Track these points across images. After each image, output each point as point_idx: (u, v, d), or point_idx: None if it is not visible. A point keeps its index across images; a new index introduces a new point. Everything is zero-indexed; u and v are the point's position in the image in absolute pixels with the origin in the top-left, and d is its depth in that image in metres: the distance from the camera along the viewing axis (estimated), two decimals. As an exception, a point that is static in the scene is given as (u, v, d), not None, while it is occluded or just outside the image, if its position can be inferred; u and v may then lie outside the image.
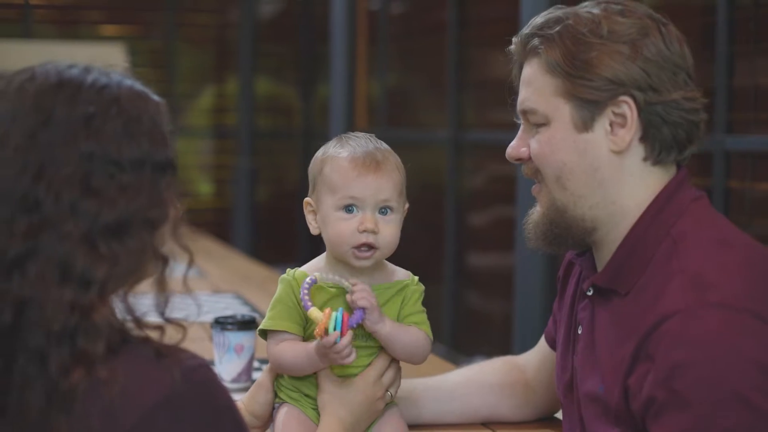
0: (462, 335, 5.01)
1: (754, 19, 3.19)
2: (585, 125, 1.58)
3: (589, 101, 1.57)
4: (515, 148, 1.66)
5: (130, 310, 1.28)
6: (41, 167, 1.21)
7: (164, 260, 1.31)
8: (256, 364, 2.28)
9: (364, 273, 1.69)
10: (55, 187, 1.21)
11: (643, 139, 1.58)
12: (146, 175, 1.27)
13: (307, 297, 1.64)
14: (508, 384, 1.96)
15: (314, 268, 1.72)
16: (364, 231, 1.65)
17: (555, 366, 1.79)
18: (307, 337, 1.69)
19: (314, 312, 1.62)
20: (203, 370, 1.28)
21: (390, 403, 1.75)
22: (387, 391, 1.71)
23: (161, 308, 1.31)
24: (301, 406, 1.72)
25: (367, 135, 1.73)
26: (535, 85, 1.62)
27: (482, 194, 5.06)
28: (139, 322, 1.28)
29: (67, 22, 7.34)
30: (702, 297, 1.45)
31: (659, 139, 1.58)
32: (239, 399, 1.81)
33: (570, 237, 1.64)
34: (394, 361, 1.72)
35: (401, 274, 1.75)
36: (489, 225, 5.02)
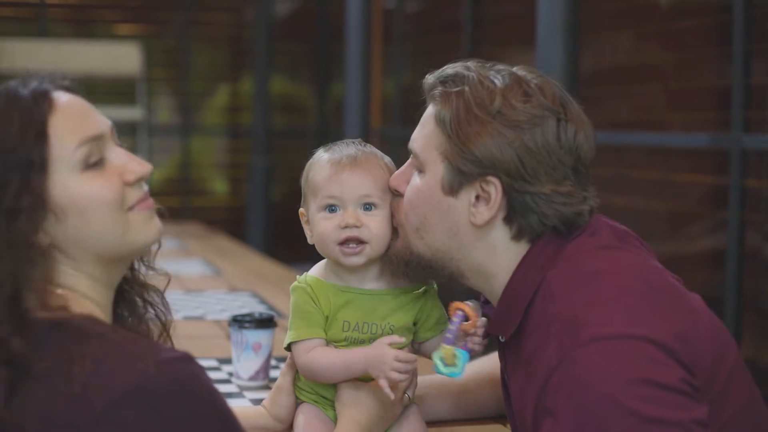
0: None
1: (770, 18, 3.18)
2: (451, 190, 1.58)
3: (460, 170, 1.57)
4: (398, 178, 1.67)
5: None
6: None
7: (60, 212, 1.35)
8: (273, 362, 2.29)
9: (379, 278, 1.70)
10: None
11: (507, 220, 1.58)
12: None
13: (454, 330, 1.62)
14: None
15: (320, 271, 1.72)
16: (346, 227, 1.65)
17: None
18: (330, 339, 1.69)
19: (449, 350, 1.61)
20: (183, 364, 1.28)
21: (408, 404, 1.75)
22: (404, 393, 1.71)
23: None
24: (321, 406, 1.72)
25: (355, 141, 1.73)
26: (425, 130, 1.63)
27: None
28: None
29: (83, 21, 7.35)
30: (576, 339, 1.44)
31: (526, 225, 1.57)
32: (261, 403, 1.81)
33: (433, 275, 1.67)
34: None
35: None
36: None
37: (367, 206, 1.66)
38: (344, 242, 1.65)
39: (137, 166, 1.42)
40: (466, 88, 1.58)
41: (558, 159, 1.55)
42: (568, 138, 1.56)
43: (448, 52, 5.45)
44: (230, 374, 2.29)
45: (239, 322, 2.23)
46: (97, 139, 1.39)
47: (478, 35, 5.07)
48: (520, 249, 1.59)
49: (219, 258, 4.40)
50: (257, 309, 3.03)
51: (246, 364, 2.22)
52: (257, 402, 1.92)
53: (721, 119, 3.44)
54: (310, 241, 1.71)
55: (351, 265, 1.66)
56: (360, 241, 1.65)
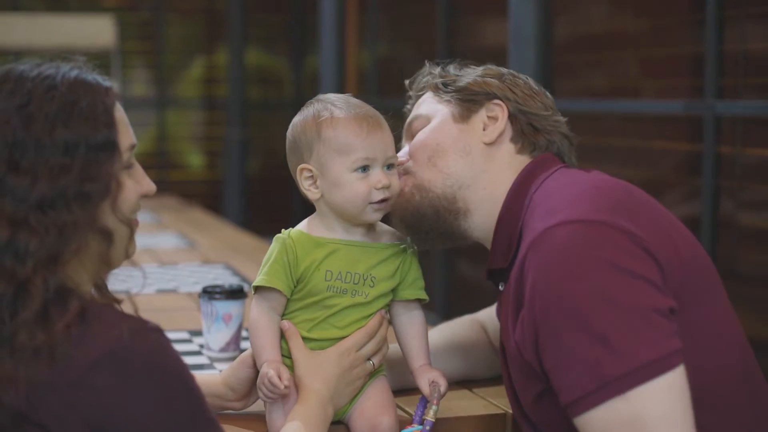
0: (454, 303, 5.01)
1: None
2: (462, 118, 1.77)
3: (466, 101, 1.77)
4: (402, 155, 1.80)
5: (97, 283, 1.40)
6: None
7: (106, 234, 1.38)
8: (244, 333, 2.28)
9: (366, 233, 1.72)
10: None
11: (514, 140, 1.75)
12: (80, 154, 1.34)
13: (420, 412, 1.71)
14: (479, 344, 2.00)
15: (308, 226, 1.73)
16: (382, 188, 1.67)
17: None
18: (292, 300, 1.69)
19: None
20: (154, 334, 1.34)
21: (377, 372, 1.74)
22: (368, 360, 1.70)
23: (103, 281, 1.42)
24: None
25: (347, 95, 1.75)
26: (422, 106, 1.83)
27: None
28: (101, 291, 1.40)
29: (56, -6, 7.28)
30: (547, 223, 1.51)
31: (531, 142, 1.75)
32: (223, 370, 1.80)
33: (438, 222, 1.73)
34: (378, 330, 1.72)
35: (393, 235, 1.76)
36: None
37: (389, 165, 1.70)
38: (378, 201, 1.68)
39: (151, 183, 1.49)
40: (436, 72, 1.85)
41: (543, 93, 1.79)
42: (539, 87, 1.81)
43: (423, 21, 5.42)
44: (201, 346, 2.28)
45: (209, 293, 2.21)
46: (134, 148, 1.46)
47: (453, 4, 5.05)
48: (518, 165, 1.73)
49: (194, 230, 4.38)
50: (230, 281, 3.02)
51: (216, 336, 2.21)
52: (227, 373, 1.90)
53: (694, 86, 3.43)
54: (314, 197, 1.71)
55: (373, 221, 1.71)
56: (385, 199, 1.69)
